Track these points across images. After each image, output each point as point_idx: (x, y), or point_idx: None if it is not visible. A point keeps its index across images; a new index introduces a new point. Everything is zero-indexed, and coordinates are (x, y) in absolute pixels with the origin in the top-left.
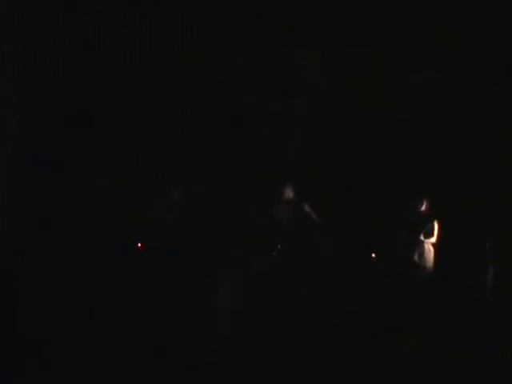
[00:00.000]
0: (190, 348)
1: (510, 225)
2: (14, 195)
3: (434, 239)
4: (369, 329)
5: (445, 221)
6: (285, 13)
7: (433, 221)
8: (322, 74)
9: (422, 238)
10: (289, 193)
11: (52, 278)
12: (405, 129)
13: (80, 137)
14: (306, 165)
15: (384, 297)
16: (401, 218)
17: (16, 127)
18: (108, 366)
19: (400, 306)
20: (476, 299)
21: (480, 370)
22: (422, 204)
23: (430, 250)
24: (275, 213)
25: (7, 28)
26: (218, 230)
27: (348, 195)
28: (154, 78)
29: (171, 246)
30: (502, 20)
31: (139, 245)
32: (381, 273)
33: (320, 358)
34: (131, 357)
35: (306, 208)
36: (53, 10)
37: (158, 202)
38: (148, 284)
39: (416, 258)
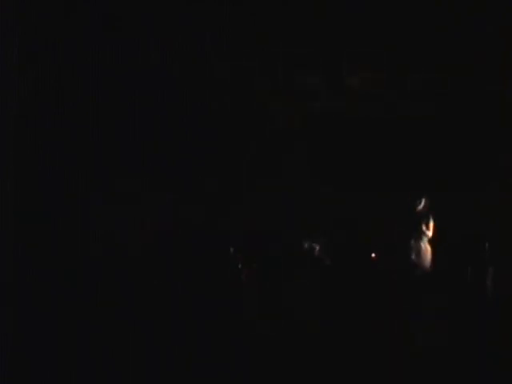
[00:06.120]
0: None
1: (510, 225)
2: (14, 195)
3: (431, 238)
4: (368, 328)
5: (444, 220)
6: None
7: (432, 220)
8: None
9: (421, 237)
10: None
11: (52, 278)
12: (405, 129)
13: (81, 137)
14: (307, 165)
15: (383, 296)
16: (400, 218)
17: (15, 127)
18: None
19: (399, 306)
20: (476, 299)
21: (479, 369)
22: (420, 204)
23: (428, 249)
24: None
25: (6, 27)
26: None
27: (348, 195)
28: (155, 78)
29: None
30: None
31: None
32: (380, 272)
33: (315, 357)
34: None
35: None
36: (53, 8)
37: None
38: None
39: (415, 257)
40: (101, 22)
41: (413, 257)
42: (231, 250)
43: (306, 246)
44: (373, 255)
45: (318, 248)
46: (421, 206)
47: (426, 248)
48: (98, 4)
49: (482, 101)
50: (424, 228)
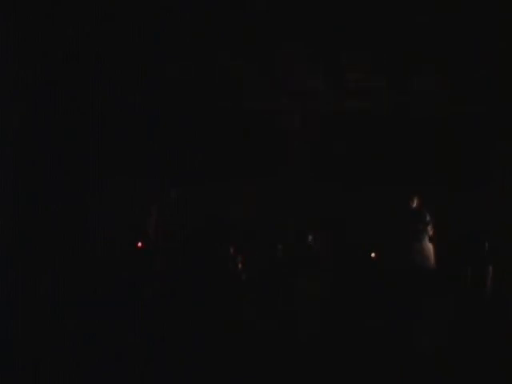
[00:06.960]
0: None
1: (510, 225)
2: (13, 195)
3: (432, 238)
4: (367, 328)
5: (444, 220)
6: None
7: (432, 220)
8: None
9: (421, 237)
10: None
11: (52, 277)
12: (405, 128)
13: (80, 136)
14: (307, 165)
15: (384, 296)
16: (400, 218)
17: (16, 127)
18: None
19: (399, 305)
20: (476, 298)
21: (479, 369)
22: (420, 204)
23: (429, 248)
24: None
25: (3, 26)
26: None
27: (348, 195)
28: (152, 78)
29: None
30: None
31: (139, 244)
32: (380, 272)
33: (314, 357)
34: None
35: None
36: (49, 7)
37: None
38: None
39: (415, 257)
40: (99, 21)
41: (413, 256)
42: (231, 249)
43: (306, 245)
44: (373, 255)
45: (317, 247)
46: (420, 206)
47: (427, 248)
48: (96, 1)
49: (481, 100)
50: (424, 228)
